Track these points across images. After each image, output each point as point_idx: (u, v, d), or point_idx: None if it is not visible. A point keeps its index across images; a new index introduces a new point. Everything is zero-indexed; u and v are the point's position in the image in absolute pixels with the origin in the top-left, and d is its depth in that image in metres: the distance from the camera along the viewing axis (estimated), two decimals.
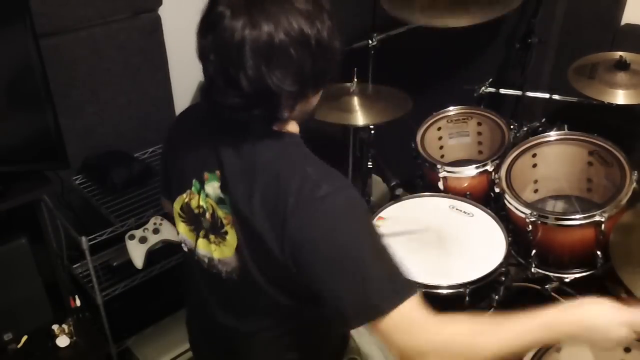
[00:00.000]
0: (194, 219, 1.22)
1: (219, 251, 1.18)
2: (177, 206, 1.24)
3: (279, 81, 1.02)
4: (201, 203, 1.18)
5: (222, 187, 1.14)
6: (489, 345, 1.00)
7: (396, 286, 1.03)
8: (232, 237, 1.15)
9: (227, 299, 1.26)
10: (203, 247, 1.22)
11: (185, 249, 1.28)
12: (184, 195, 1.21)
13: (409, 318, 1.01)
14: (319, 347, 1.34)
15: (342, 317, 1.05)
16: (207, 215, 1.18)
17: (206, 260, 1.22)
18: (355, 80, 2.10)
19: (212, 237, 1.19)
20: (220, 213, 1.15)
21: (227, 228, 1.15)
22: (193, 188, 1.19)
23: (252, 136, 1.11)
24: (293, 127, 1.17)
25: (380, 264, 1.04)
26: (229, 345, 1.32)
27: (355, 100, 2.09)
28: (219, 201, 1.15)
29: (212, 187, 1.15)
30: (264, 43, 0.99)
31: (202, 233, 1.21)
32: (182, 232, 1.26)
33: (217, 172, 1.14)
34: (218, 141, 1.14)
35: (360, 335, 1.47)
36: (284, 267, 1.07)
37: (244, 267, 1.16)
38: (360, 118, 2.05)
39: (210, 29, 1.03)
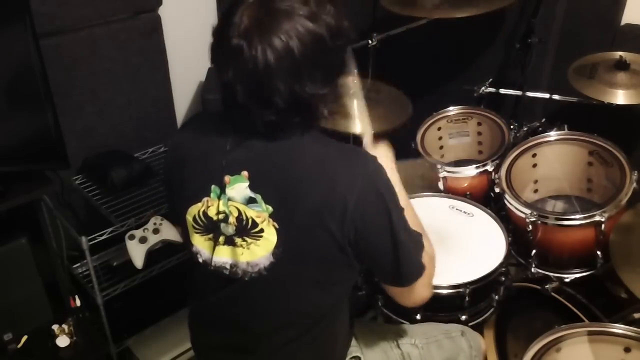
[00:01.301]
0: (212, 227, 1.20)
1: (249, 253, 1.18)
2: (189, 217, 1.22)
3: (312, 90, 1.07)
4: (222, 208, 1.17)
5: (252, 186, 1.14)
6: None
7: (421, 241, 1.25)
8: (270, 234, 1.15)
9: (248, 303, 1.25)
10: (224, 254, 1.21)
11: (200, 260, 1.26)
12: (200, 205, 1.20)
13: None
14: (329, 346, 1.35)
15: (399, 278, 1.22)
16: (231, 219, 1.17)
17: (228, 267, 1.21)
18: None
19: (238, 240, 1.18)
20: (252, 213, 1.15)
21: (263, 225, 1.15)
22: (212, 194, 1.18)
23: (283, 134, 1.13)
24: None
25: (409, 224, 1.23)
26: (242, 348, 1.32)
27: (355, 104, 2.07)
28: (249, 201, 1.15)
29: (238, 189, 1.15)
30: (289, 61, 1.03)
31: (222, 240, 1.20)
32: (197, 244, 1.25)
33: (245, 173, 1.14)
34: (241, 142, 1.15)
35: (363, 335, 1.48)
36: (339, 244, 1.14)
37: (280, 261, 1.17)
38: (358, 125, 2.03)
39: (229, 62, 1.06)
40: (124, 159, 2.12)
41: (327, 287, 1.23)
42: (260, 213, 1.14)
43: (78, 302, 2.03)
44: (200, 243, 1.24)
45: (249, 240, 1.17)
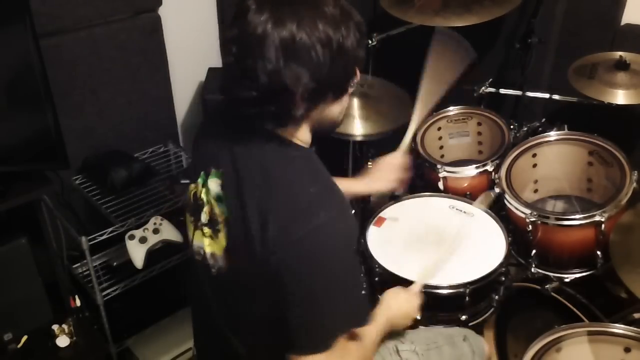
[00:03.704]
0: (195, 209, 1.23)
1: (211, 245, 1.21)
2: (189, 195, 1.26)
3: (295, 77, 1.03)
4: (202, 196, 1.20)
5: (223, 186, 1.16)
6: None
7: (343, 326, 1.12)
8: (222, 237, 1.17)
9: (225, 301, 1.26)
10: (198, 239, 1.24)
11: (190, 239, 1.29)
12: (193, 186, 1.24)
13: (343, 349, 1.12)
14: None
15: (293, 340, 1.11)
16: (206, 208, 1.20)
17: (202, 252, 1.24)
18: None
19: (206, 230, 1.20)
20: (217, 210, 1.17)
21: (220, 226, 1.17)
22: (200, 180, 1.21)
23: (260, 140, 1.12)
24: (304, 136, 1.17)
25: (342, 303, 1.11)
26: (232, 355, 1.31)
27: (355, 103, 2.07)
28: (218, 198, 1.17)
29: (215, 184, 1.17)
30: (285, 39, 1.02)
31: (199, 224, 1.23)
32: (187, 221, 1.29)
33: (222, 170, 1.16)
34: (231, 141, 1.16)
35: None
36: (264, 273, 1.09)
37: (234, 268, 1.18)
38: (359, 128, 2.04)
39: (236, 22, 1.06)
40: (124, 159, 2.12)
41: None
42: (222, 213, 1.17)
43: (78, 302, 2.03)
44: (188, 222, 1.28)
45: (212, 234, 1.20)
